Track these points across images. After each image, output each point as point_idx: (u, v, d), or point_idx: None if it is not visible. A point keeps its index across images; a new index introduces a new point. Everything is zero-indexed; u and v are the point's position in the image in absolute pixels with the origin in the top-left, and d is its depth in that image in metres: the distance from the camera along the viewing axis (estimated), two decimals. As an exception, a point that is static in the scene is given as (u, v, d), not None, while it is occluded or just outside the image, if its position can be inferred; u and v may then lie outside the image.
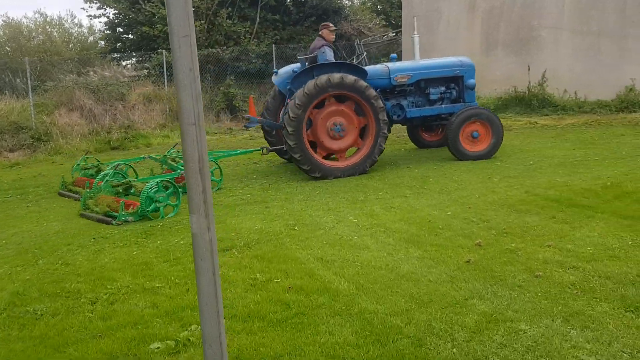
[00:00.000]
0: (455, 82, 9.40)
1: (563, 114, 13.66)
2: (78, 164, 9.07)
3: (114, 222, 6.40)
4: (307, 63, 8.71)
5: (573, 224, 5.10)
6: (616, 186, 6.30)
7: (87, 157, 9.69)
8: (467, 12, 18.04)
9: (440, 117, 9.48)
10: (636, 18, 14.37)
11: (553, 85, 14.81)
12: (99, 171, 8.43)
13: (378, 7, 25.85)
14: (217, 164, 8.30)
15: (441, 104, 9.34)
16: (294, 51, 19.45)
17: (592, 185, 6.48)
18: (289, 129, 8.05)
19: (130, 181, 7.39)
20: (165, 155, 8.87)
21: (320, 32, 9.15)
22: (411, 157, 9.69)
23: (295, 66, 9.07)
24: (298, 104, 8.01)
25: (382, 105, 8.38)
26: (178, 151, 8.96)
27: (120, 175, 7.96)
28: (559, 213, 5.49)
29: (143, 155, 9.63)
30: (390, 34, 24.78)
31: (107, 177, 7.61)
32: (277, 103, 9.36)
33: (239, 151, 9.42)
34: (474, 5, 17.82)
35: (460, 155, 8.88)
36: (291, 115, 8.03)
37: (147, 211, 6.51)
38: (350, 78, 8.14)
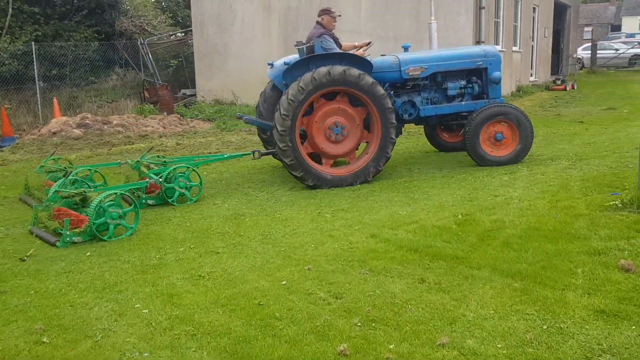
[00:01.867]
0: (477, 75, 7.99)
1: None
2: (42, 166, 7.95)
3: (57, 243, 5.37)
4: (305, 53, 7.32)
5: (454, 294, 3.75)
6: (471, 221, 5.21)
7: (56, 158, 8.41)
8: (262, 12, 16.65)
9: (460, 116, 8.10)
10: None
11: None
12: (66, 175, 6.99)
13: (163, 3, 23.29)
14: (197, 172, 7.13)
15: (461, 101, 7.95)
16: (61, 50, 16.10)
17: (443, 220, 5.32)
18: (280, 129, 6.87)
19: (85, 191, 6.17)
20: (138, 160, 7.64)
21: (319, 19, 7.66)
22: (220, 185, 7.81)
23: (292, 58, 7.69)
24: (291, 100, 6.83)
25: (390, 106, 7.15)
26: (158, 156, 8.07)
27: (84, 183, 6.88)
28: (427, 272, 4.13)
29: (119, 161, 8.20)
30: (179, 34, 22.44)
31: (58, 186, 6.30)
32: (273, 99, 7.81)
33: (226, 155, 8.13)
34: (269, 6, 16.50)
35: (479, 160, 7.60)
36: (282, 112, 6.84)
37: (98, 231, 5.49)
38: (355, 72, 6.93)
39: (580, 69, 28.01)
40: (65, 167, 7.62)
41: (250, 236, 5.35)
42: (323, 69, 6.85)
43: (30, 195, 7.37)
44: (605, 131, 10.04)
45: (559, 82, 19.75)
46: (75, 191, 6.15)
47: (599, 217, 4.96)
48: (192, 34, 18.82)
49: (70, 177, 6.76)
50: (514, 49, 17.69)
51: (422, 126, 9.03)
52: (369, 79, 7.02)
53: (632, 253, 4.09)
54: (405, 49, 8.13)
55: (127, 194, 6.21)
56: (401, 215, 5.66)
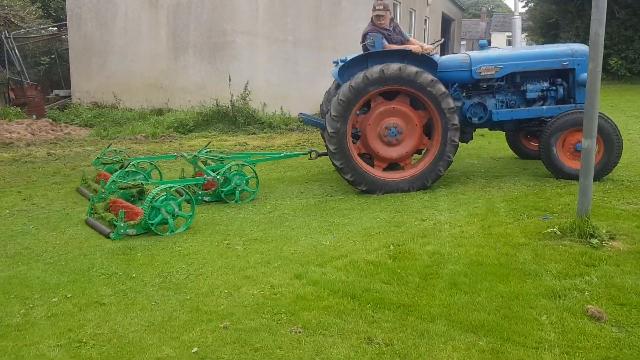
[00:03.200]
0: (563, 77, 7.20)
1: (271, 132, 12.18)
2: (99, 158, 7.94)
3: (111, 235, 5.26)
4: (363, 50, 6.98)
5: (412, 359, 3.05)
6: (406, 254, 4.59)
7: (114, 150, 8.44)
8: (149, 8, 15.25)
9: (543, 122, 7.21)
10: (331, 30, 13.88)
11: (251, 98, 13.25)
12: (122, 167, 7.15)
13: (32, -8, 20.87)
14: (254, 171, 6.84)
15: (542, 104, 7.16)
16: None
17: (375, 253, 4.65)
18: (330, 130, 6.51)
19: (142, 183, 6.17)
20: (196, 155, 7.34)
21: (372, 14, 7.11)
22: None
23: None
24: (342, 100, 6.48)
25: (452, 105, 6.55)
26: (210, 151, 7.84)
27: (142, 176, 6.89)
28: (373, 328, 3.40)
29: (175, 154, 8.38)
30: (52, 28, 20.18)
31: (115, 177, 6.30)
32: None
33: (282, 154, 7.82)
34: (156, 1, 15.14)
35: (556, 172, 6.92)
36: (333, 113, 6.50)
37: (152, 224, 5.29)
38: (411, 69, 6.44)
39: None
40: (122, 159, 7.71)
41: (144, 279, 4.32)
42: (376, 67, 6.44)
43: (87, 187, 7.22)
44: (507, 146, 10.04)
45: (449, 93, 20.22)
46: (133, 183, 6.19)
47: (542, 248, 4.55)
48: (67, 29, 16.86)
49: (127, 168, 6.84)
50: (409, 59, 17.78)
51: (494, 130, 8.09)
52: (427, 77, 6.48)
53: (593, 295, 3.66)
54: (482, 46, 7.53)
55: (183, 188, 5.88)
56: (325, 246, 4.92)
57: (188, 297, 3.94)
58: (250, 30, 14.40)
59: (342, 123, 6.52)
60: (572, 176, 6.67)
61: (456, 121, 6.61)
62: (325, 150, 6.99)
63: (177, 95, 15.24)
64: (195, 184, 6.60)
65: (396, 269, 4.26)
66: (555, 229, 4.83)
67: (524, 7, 32.34)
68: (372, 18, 7.11)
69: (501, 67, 6.94)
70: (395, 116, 6.73)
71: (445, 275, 4.12)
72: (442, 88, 6.53)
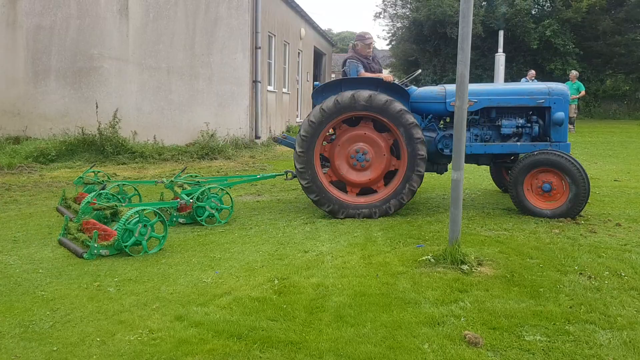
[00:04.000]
0: (540, 115, 7.24)
1: (143, 162, 11.63)
2: (81, 177, 7.98)
3: (84, 255, 5.37)
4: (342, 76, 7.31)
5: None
6: (291, 288, 4.54)
7: (96, 171, 8.46)
8: (5, 29, 14.05)
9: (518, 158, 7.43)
10: (205, 58, 13.71)
11: (121, 126, 12.61)
12: (104, 189, 6.96)
13: None
14: (228, 194, 7.00)
15: (517, 141, 7.20)
16: None
17: (259, 288, 4.54)
18: (298, 150, 6.77)
19: (117, 205, 6.26)
20: (172, 180, 7.45)
21: (353, 43, 7.47)
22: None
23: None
24: (312, 121, 6.76)
25: (419, 136, 6.69)
26: (194, 175, 8.18)
27: (119, 198, 7.03)
28: (262, 368, 3.29)
29: (155, 179, 8.28)
30: None
31: (90, 197, 6.37)
32: None
33: (259, 176, 8.13)
34: (14, 22, 14.01)
35: (522, 210, 6.90)
36: (302, 133, 6.78)
37: (125, 245, 5.43)
38: (381, 98, 6.64)
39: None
40: (103, 181, 7.74)
41: (2, 329, 3.83)
42: (347, 93, 6.65)
43: (67, 207, 7.25)
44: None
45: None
46: (107, 204, 6.25)
47: (419, 276, 4.74)
48: None
49: (105, 190, 6.85)
50: (284, 90, 18.07)
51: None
52: (397, 106, 6.66)
53: (468, 320, 3.86)
54: None
55: (156, 210, 5.82)
56: (207, 283, 4.72)
57: (55, 349, 3.54)
58: (120, 56, 13.78)
59: (310, 143, 6.74)
60: (538, 214, 6.73)
61: (423, 152, 6.71)
62: None
63: (36, 123, 14.08)
64: (171, 207, 6.74)
65: (282, 305, 4.19)
66: (429, 257, 5.07)
67: (387, 44, 34.48)
68: (354, 45, 7.45)
69: (475, 101, 7.01)
70: (361, 141, 6.91)
71: (331, 308, 4.13)
72: (411, 118, 6.68)
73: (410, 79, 7.58)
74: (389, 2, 31.32)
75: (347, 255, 5.44)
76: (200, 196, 6.72)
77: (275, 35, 16.36)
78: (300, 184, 6.93)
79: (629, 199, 8.01)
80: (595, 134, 17.85)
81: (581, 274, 4.71)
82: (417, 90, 7.31)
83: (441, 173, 7.53)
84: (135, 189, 7.68)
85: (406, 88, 7.23)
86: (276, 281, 4.70)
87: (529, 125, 7.17)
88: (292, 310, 4.09)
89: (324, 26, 72.01)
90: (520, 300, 4.16)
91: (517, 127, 7.14)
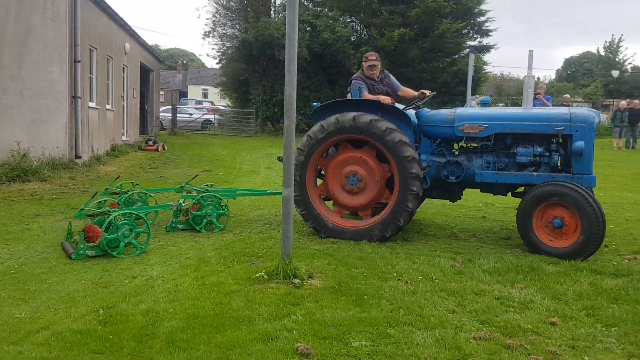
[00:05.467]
0: (562, 143, 6.56)
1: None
2: (107, 189, 8.40)
3: (72, 255, 5.87)
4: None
5: None
6: (119, 317, 4.27)
7: (131, 182, 9.36)
8: None
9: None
10: (16, 71, 12.44)
11: None
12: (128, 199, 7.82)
13: None
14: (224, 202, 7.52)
15: (534, 170, 6.47)
16: None
17: (82, 320, 4.20)
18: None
19: (109, 211, 6.56)
20: (182, 186, 8.31)
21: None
22: None
23: None
24: (300, 149, 6.74)
25: (408, 154, 6.36)
26: (210, 185, 8.69)
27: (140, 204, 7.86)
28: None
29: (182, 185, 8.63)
30: None
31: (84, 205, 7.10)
32: None
33: (268, 191, 8.39)
34: None
35: (532, 248, 6.10)
36: (300, 146, 6.69)
37: (108, 246, 5.97)
38: (365, 118, 6.49)
39: (162, 129, 29.41)
40: (128, 190, 8.18)
41: None
42: (350, 114, 6.56)
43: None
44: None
45: (150, 142, 20.05)
46: (99, 210, 6.60)
47: (253, 293, 4.78)
48: None
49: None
50: (108, 107, 17.07)
51: None
52: (382, 125, 6.43)
53: (300, 332, 3.99)
54: (484, 103, 7.11)
55: (141, 215, 6.32)
56: (20, 319, 4.26)
57: None
58: None
59: (305, 157, 6.79)
60: (547, 253, 5.96)
61: (414, 170, 6.35)
62: None
63: None
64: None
65: (108, 335, 3.93)
66: (263, 273, 5.14)
67: (217, 63, 34.48)
68: (362, 66, 7.30)
69: (486, 127, 6.52)
70: (358, 165, 6.74)
71: (162, 334, 3.98)
72: (398, 136, 6.39)
73: (423, 102, 7.17)
74: (218, 21, 31.42)
75: (179, 277, 5.30)
76: (197, 203, 7.23)
77: (97, 49, 15.41)
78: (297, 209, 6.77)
79: (434, 213, 8.94)
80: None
81: (399, 279, 5.15)
82: (428, 113, 7.00)
83: (454, 201, 7.08)
84: (150, 195, 8.23)
85: (418, 110, 7.14)
86: (101, 311, 4.40)
87: (547, 154, 6.48)
88: (119, 340, 3.87)
89: (151, 42, 69.64)
90: (347, 309, 4.42)
91: (535, 155, 6.46)
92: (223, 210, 7.42)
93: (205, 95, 66.38)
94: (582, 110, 6.60)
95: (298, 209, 6.78)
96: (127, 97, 20.35)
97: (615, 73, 44.93)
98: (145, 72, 25.41)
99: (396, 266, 5.58)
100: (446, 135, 6.81)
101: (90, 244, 5.94)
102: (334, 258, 5.88)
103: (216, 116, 33.63)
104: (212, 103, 49.66)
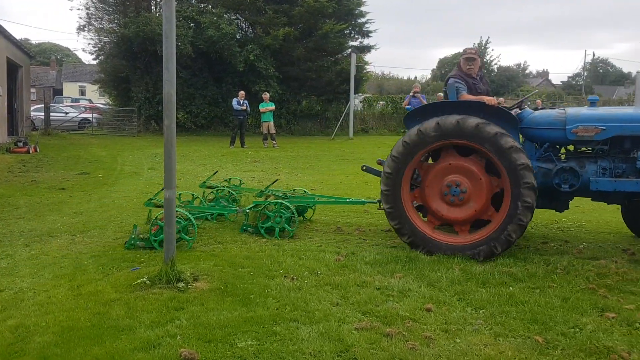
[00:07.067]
0: None
1: None
2: (204, 183, 8.50)
3: (125, 244, 6.25)
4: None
5: None
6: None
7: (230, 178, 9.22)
8: None
9: None
10: None
11: None
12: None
13: None
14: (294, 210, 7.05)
15: None
16: None
17: (-63, 341, 3.83)
18: (383, 189, 6.00)
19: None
20: (262, 191, 8.02)
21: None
22: None
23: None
24: (394, 156, 5.98)
25: (523, 161, 5.54)
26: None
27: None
28: None
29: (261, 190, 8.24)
30: None
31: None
32: None
33: (348, 200, 7.81)
34: None
35: None
36: (386, 170, 6.00)
37: (155, 240, 6.08)
38: (471, 121, 5.66)
39: (33, 130, 27.29)
40: (226, 187, 8.39)
41: None
42: (452, 117, 5.77)
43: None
44: (91, 198, 9.86)
45: (20, 144, 18.52)
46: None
47: (134, 300, 4.60)
48: None
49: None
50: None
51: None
52: (491, 129, 5.65)
53: (184, 338, 3.89)
54: (592, 102, 6.20)
55: (189, 215, 6.39)
56: None
57: None
58: None
59: (400, 165, 5.98)
60: None
61: (529, 179, 5.60)
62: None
63: None
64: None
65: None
66: (145, 279, 4.96)
67: (94, 59, 32.61)
68: (459, 62, 6.53)
69: (603, 129, 5.82)
70: (463, 174, 5.92)
71: (34, 350, 3.71)
72: (510, 141, 5.64)
73: (524, 100, 6.63)
74: (94, 15, 29.67)
75: (53, 289, 4.97)
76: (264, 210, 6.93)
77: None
78: (383, 207, 6.15)
79: (321, 208, 9.14)
80: (295, 149, 19.86)
81: (285, 276, 5.21)
82: (532, 114, 6.30)
83: (561, 211, 6.40)
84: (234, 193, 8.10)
85: (520, 110, 6.38)
86: (-39, 330, 4.02)
87: None
88: (-18, 361, 3.56)
89: (19, 36, 64.33)
90: (233, 310, 4.39)
91: None
92: (288, 215, 6.85)
93: (82, 93, 62.61)
94: None
95: (391, 222, 6.08)
96: (-9, 94, 18.64)
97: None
98: (13, 68, 23.44)
99: (283, 263, 5.63)
100: (556, 138, 6.10)
101: (141, 236, 6.24)
102: (221, 259, 5.81)
103: (95, 115, 31.77)
104: (90, 101, 46.90)
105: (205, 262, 5.68)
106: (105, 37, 29.29)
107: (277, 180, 9.23)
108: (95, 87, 38.58)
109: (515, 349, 3.73)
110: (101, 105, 38.07)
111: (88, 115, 32.43)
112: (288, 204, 6.95)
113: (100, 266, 5.63)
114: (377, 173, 6.91)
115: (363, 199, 7.85)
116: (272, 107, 20.91)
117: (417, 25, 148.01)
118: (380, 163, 6.66)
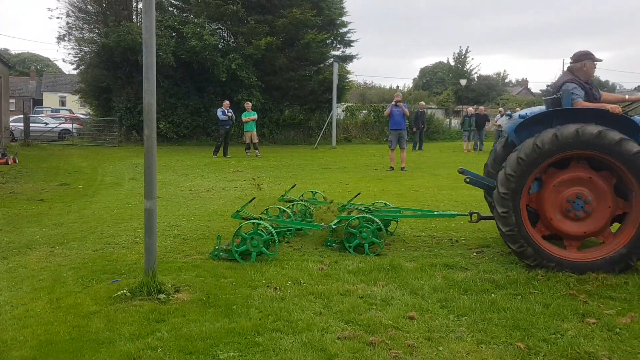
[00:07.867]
0: None
1: None
2: (283, 196, 8.32)
3: (210, 254, 6.29)
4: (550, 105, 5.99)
5: None
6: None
7: (311, 191, 8.83)
8: None
9: None
10: None
11: None
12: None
13: None
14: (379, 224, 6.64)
15: None
16: None
17: None
18: (501, 190, 5.56)
19: (261, 217, 6.83)
20: (344, 205, 7.69)
21: (570, 64, 6.08)
22: None
23: (536, 110, 6.10)
24: (522, 158, 5.49)
25: None
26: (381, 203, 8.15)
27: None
28: None
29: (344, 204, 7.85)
30: None
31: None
32: (505, 158, 5.89)
33: (436, 212, 7.24)
34: None
35: None
36: (508, 172, 5.54)
37: (237, 251, 6.03)
38: (591, 130, 5.30)
39: (12, 140, 26.89)
40: (304, 201, 8.11)
41: None
42: (570, 127, 5.40)
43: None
44: (71, 209, 9.72)
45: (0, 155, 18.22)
46: (251, 215, 6.67)
47: (114, 313, 4.53)
48: None
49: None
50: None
51: None
52: (614, 136, 5.30)
53: (165, 350, 3.85)
54: None
55: (269, 226, 6.28)
56: None
57: None
58: None
59: (518, 184, 5.55)
60: None
61: None
62: (490, 214, 6.44)
63: None
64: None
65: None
66: (125, 291, 4.90)
67: (75, 69, 32.29)
68: (573, 68, 6.07)
69: None
70: (589, 188, 5.58)
71: (10, 365, 3.64)
72: (636, 147, 5.34)
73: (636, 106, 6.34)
74: (74, 25, 29.40)
75: (31, 302, 4.89)
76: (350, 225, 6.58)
77: None
78: (500, 230, 5.69)
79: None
80: (278, 158, 19.84)
81: (268, 286, 5.17)
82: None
83: None
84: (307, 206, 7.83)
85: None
86: None
87: None
88: (-43, 377, 3.47)
89: (-3, 45, 63.37)
90: (215, 321, 4.35)
91: None
92: (374, 228, 6.53)
93: (62, 103, 61.95)
94: None
95: (513, 246, 5.65)
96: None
97: (463, 82, 48.92)
98: (-10, 78, 23.11)
99: (265, 273, 5.60)
100: None
101: (224, 247, 6.22)
102: (203, 269, 5.76)
103: (75, 125, 31.42)
104: (70, 111, 46.40)
105: (187, 273, 5.62)
106: (85, 46, 29.02)
107: (358, 194, 8.63)
108: (76, 97, 38.12)
109: (497, 356, 3.74)
110: (82, 116, 37.66)
111: (68, 126, 32.06)
112: (373, 217, 6.68)
113: (80, 278, 5.54)
114: (481, 184, 6.60)
115: (453, 212, 7.28)
116: (255, 116, 20.90)
117: (398, 35, 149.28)
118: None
